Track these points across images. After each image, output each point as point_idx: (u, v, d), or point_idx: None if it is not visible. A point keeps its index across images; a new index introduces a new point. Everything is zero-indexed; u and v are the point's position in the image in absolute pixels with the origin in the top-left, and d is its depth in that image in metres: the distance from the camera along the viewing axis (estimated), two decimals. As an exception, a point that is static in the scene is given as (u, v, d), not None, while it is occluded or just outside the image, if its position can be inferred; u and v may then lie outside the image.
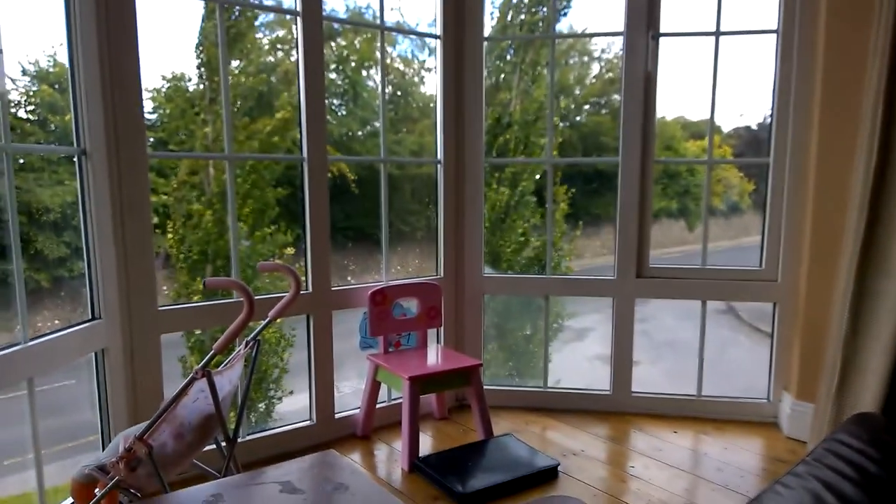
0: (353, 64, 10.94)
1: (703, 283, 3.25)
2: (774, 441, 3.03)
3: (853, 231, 2.57)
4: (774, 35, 3.05)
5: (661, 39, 3.13)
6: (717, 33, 3.10)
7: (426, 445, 2.97)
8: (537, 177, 8.12)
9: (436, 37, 3.25)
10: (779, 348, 3.19)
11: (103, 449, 2.35)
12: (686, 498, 2.50)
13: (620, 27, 3.16)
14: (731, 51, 3.15)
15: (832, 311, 2.71)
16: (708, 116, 3.23)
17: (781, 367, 3.19)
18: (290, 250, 7.34)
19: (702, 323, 3.31)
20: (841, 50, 2.82)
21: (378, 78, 3.37)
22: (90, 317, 2.36)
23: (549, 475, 2.65)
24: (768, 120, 3.16)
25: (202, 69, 7.21)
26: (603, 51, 12.42)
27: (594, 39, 13.21)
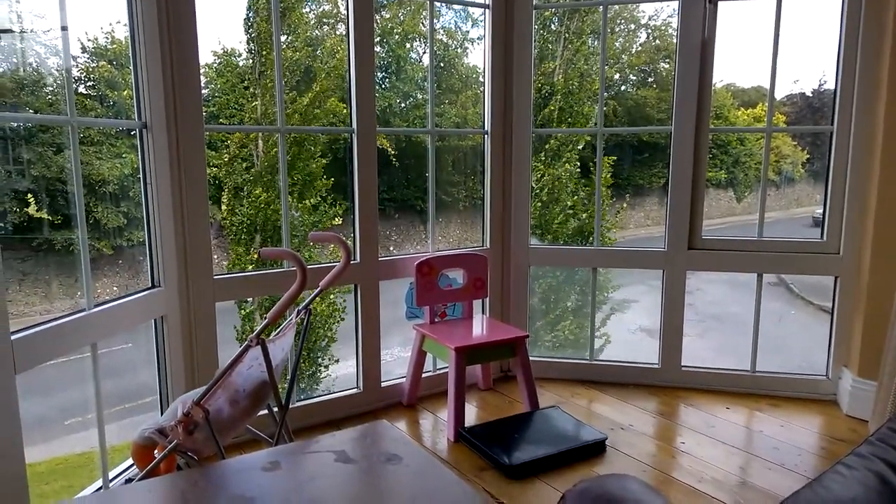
0: (396, 37, 10.85)
1: (760, 255, 3.15)
2: (833, 419, 2.94)
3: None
4: (841, -4, 2.90)
5: (720, 4, 3.01)
6: (780, -5, 2.96)
7: (471, 416, 2.99)
8: (580, 147, 7.96)
9: (484, 6, 3.18)
10: (839, 324, 3.08)
11: (161, 412, 2.43)
12: (740, 476, 2.45)
13: (676, -9, 3.04)
14: (788, 15, 2.99)
15: (898, 286, 2.61)
16: (759, 83, 3.14)
17: (841, 343, 3.08)
18: (337, 221, 7.43)
19: (757, 296, 3.21)
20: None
21: (421, 50, 3.33)
22: (150, 285, 2.43)
23: (596, 449, 2.63)
24: (824, 86, 3.03)
25: (251, 44, 7.29)
26: (651, 17, 12.04)
27: (641, 6, 12.79)
